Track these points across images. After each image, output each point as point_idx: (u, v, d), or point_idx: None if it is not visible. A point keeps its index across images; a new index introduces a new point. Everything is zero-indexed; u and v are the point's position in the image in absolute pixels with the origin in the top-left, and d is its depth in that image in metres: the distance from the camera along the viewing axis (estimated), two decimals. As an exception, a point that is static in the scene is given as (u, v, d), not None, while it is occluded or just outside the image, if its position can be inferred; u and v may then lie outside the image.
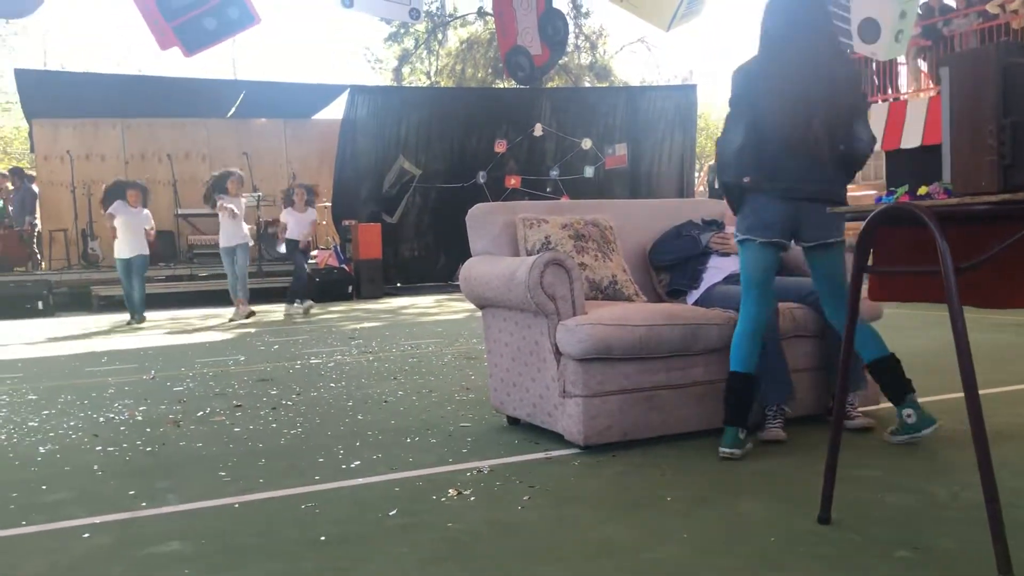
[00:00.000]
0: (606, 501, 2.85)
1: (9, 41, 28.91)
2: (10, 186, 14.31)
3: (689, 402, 3.58)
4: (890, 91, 15.08)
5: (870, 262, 2.53)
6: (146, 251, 10.10)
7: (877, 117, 13.65)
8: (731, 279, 3.97)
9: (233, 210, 10.11)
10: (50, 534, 2.69)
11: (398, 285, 14.35)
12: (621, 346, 3.39)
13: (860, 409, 3.80)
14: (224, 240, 10.27)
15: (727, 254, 4.10)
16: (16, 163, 24.50)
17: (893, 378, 3.38)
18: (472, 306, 7.43)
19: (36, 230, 13.89)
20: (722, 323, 3.61)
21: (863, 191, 15.14)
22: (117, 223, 9.85)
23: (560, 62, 18.71)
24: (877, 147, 13.62)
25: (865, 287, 2.65)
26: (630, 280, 4.07)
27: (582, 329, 3.38)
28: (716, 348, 3.58)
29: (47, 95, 14.23)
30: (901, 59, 14.53)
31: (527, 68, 12.79)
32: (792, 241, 3.31)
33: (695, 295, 4.01)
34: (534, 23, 12.84)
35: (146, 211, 10.13)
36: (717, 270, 4.04)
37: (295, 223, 10.99)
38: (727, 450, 3.27)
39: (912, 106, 13.31)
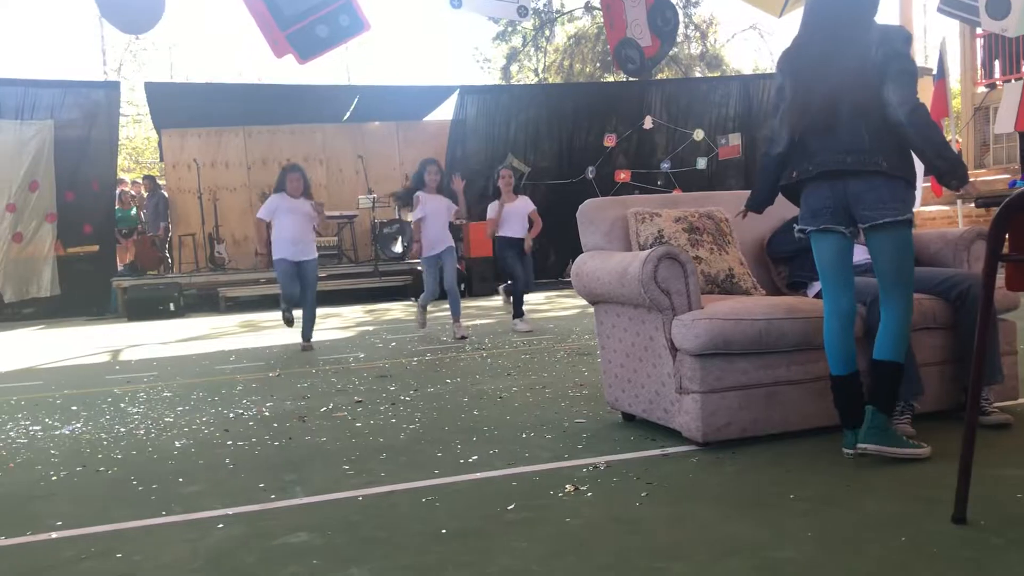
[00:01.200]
0: (727, 499, 2.80)
1: (140, 56, 30.50)
2: (144, 193, 15.09)
3: (812, 398, 3.48)
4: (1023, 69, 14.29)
5: (1005, 250, 2.41)
6: (315, 252, 7.62)
7: (1010, 97, 12.97)
8: (855, 270, 3.83)
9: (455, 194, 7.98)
10: (188, 524, 2.83)
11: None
12: (740, 341, 3.33)
13: (996, 404, 3.62)
14: (436, 244, 7.81)
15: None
16: (147, 171, 25.86)
17: (890, 387, 3.10)
18: (583, 302, 7.43)
19: (168, 235, 14.60)
20: (845, 316, 3.48)
21: (996, 175, 14.40)
22: (275, 220, 7.45)
23: (670, 53, 18.44)
24: (1010, 129, 12.99)
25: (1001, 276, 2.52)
26: (747, 273, 3.98)
27: (698, 324, 3.33)
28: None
29: (174, 106, 14.94)
30: (1035, 34, 13.74)
31: (637, 60, 12.65)
32: (852, 226, 3.12)
33: (816, 287, 3.90)
34: (643, 14, 12.69)
35: (310, 201, 7.58)
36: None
37: (509, 217, 8.33)
38: (848, 450, 3.18)
39: (1048, 84, 12.57)
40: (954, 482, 2.47)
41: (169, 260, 14.53)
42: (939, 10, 11.02)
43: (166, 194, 14.81)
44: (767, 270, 4.23)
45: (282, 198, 7.36)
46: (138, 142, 28.22)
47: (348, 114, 16.00)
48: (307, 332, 7.50)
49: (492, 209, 8.41)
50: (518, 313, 8.18)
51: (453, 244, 7.93)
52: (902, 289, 3.07)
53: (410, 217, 8.02)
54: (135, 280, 12.96)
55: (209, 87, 21.65)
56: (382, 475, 3.29)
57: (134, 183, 16.47)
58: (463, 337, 7.58)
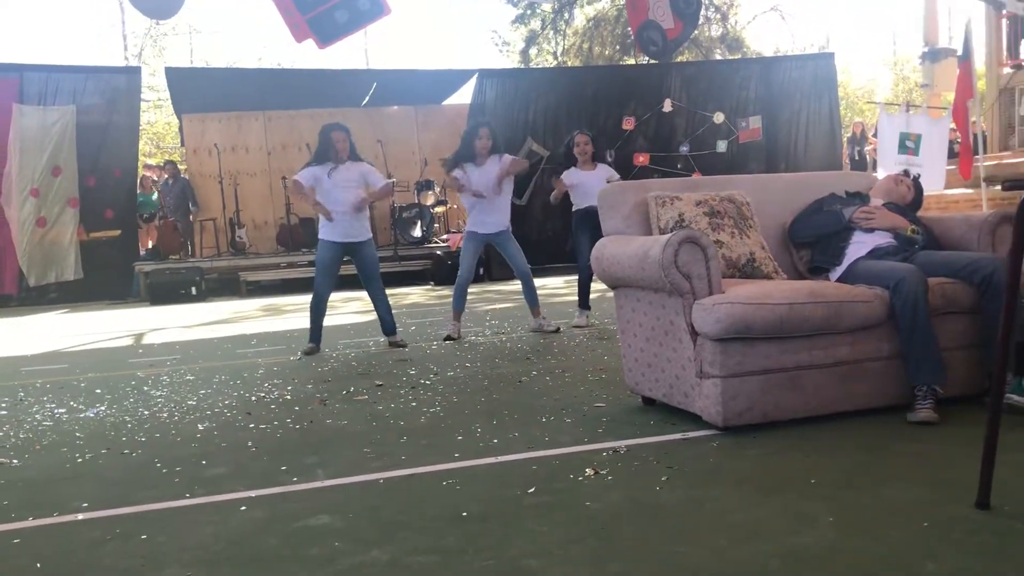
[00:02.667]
0: (748, 483, 2.80)
1: (160, 42, 30.59)
2: (168, 179, 15.16)
3: (833, 382, 3.46)
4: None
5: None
6: (369, 232, 6.61)
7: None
8: (875, 254, 3.81)
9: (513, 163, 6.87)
10: (211, 506, 2.86)
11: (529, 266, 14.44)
12: (761, 325, 3.31)
13: (1021, 390, 3.58)
14: (492, 223, 6.90)
15: (871, 230, 3.93)
16: (168, 156, 25.99)
17: None
18: (602, 287, 7.35)
19: (192, 220, 14.64)
20: (868, 300, 3.47)
21: (1021, 157, 14.20)
22: (318, 193, 6.32)
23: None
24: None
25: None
26: (769, 257, 3.96)
27: (719, 308, 3.31)
28: (863, 326, 3.45)
29: (195, 91, 14.99)
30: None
31: (660, 43, 12.55)
32: None
33: (838, 271, 3.87)
34: (666, -3, 12.60)
35: (365, 165, 6.62)
36: (861, 244, 3.88)
37: (587, 186, 6.91)
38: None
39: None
40: (977, 467, 2.46)
41: (190, 246, 14.60)
42: None
43: (188, 179, 14.89)
44: (789, 254, 4.20)
45: (324, 168, 6.30)
46: (159, 127, 28.37)
47: (367, 99, 16.00)
48: (391, 322, 6.54)
49: (566, 175, 7.19)
50: (583, 303, 7.27)
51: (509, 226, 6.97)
52: None
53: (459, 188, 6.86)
54: (157, 264, 13.05)
55: (229, 72, 21.73)
56: (403, 458, 3.31)
57: (155, 167, 16.57)
58: (554, 330, 6.77)
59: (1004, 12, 13.37)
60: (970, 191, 13.31)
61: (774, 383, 3.40)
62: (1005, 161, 14.42)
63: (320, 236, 6.40)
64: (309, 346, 6.35)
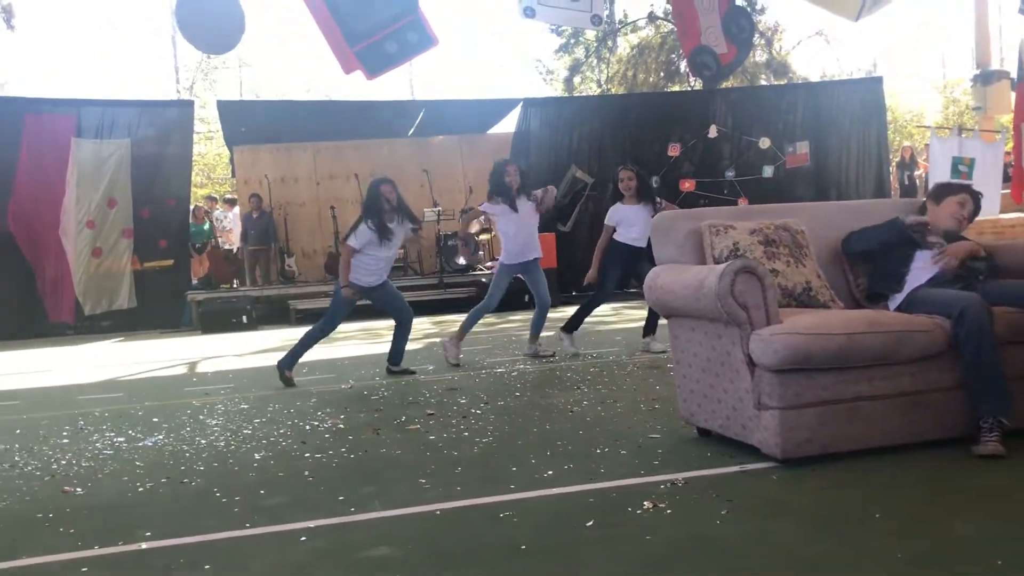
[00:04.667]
0: (810, 517, 2.75)
1: (211, 75, 31.29)
2: (252, 212, 15.37)
3: (894, 413, 3.40)
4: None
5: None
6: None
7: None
8: (936, 281, 3.74)
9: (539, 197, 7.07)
10: (272, 536, 2.89)
11: (573, 293, 14.42)
12: (820, 356, 3.27)
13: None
14: (519, 253, 7.01)
15: (931, 245, 3.85)
16: (218, 187, 26.50)
17: None
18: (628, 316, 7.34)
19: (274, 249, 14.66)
20: (929, 330, 3.41)
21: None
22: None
23: (740, 60, 18.22)
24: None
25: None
26: (825, 286, 3.91)
27: (777, 339, 3.28)
28: (924, 356, 3.39)
29: (245, 123, 15.30)
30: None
31: (713, 67, 12.53)
32: None
33: (898, 299, 3.80)
34: (718, 22, 12.58)
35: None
36: (921, 271, 3.81)
37: (630, 221, 7.03)
38: None
39: None
40: (1050, 503, 2.39)
41: (244, 275, 14.80)
42: (1020, 11, 10.72)
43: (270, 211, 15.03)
44: (846, 282, 4.15)
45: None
46: (210, 158, 28.94)
47: (413, 128, 16.19)
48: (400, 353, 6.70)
49: (612, 210, 7.22)
50: (569, 327, 7.27)
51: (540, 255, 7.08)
52: None
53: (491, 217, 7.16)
54: (208, 293, 13.27)
55: (279, 104, 22.12)
56: (458, 489, 3.31)
57: (208, 199, 16.89)
58: (548, 356, 6.96)
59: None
60: (1026, 215, 13.03)
61: (833, 414, 3.35)
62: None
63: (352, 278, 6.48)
64: (287, 374, 6.47)
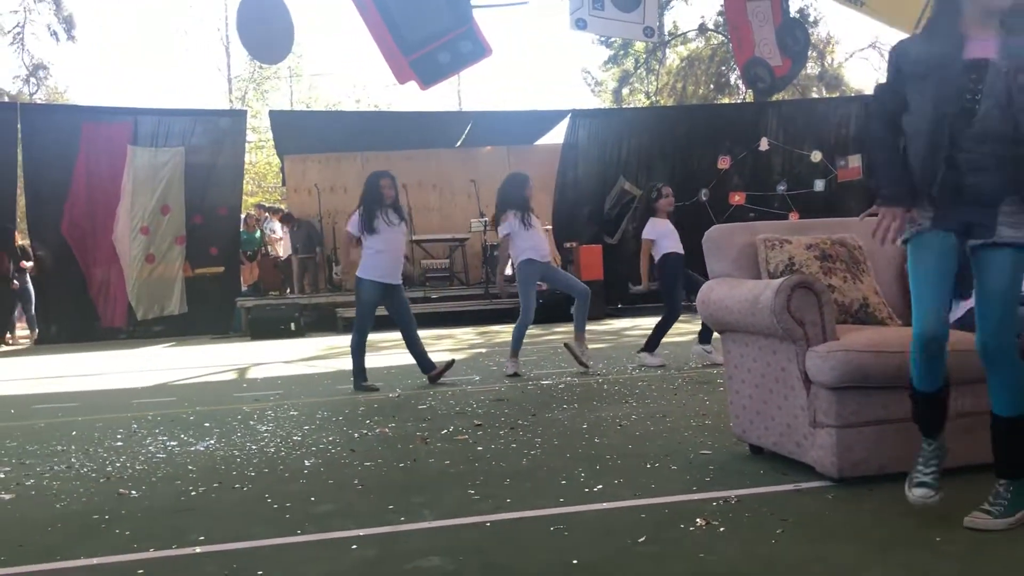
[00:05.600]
0: (868, 539, 2.69)
1: (263, 85, 31.81)
2: (294, 226, 15.60)
3: (955, 434, 3.30)
4: None
5: None
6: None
7: None
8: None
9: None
10: (323, 544, 2.90)
11: (619, 306, 14.36)
12: (878, 374, 3.20)
13: None
14: (542, 251, 7.15)
15: None
16: (268, 195, 26.87)
17: (1003, 446, 2.79)
18: (697, 328, 7.28)
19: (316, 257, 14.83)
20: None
21: None
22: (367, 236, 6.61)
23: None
24: None
25: None
26: (883, 303, 3.84)
27: (834, 356, 3.22)
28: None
29: (296, 133, 15.51)
30: None
31: (768, 79, 12.45)
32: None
33: (961, 308, 3.70)
34: (772, 34, 12.49)
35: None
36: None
37: (668, 234, 7.29)
38: None
39: None
40: (1122, 531, 2.31)
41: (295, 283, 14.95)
42: None
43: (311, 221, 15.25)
44: (903, 299, 4.05)
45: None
46: (260, 167, 29.38)
47: (461, 139, 16.27)
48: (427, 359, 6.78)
49: (651, 225, 7.35)
50: (649, 346, 7.24)
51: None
52: None
53: (499, 233, 7.29)
54: (258, 300, 13.45)
55: (329, 115, 22.45)
56: (508, 501, 3.30)
57: (258, 207, 17.13)
58: (586, 367, 6.94)
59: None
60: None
61: (891, 434, 3.27)
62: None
63: (365, 276, 6.64)
64: (365, 384, 6.54)
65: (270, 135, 19.83)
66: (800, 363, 3.37)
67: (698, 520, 2.92)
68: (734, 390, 3.89)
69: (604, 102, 28.13)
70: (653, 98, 26.76)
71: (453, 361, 6.87)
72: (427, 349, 6.89)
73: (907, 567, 2.44)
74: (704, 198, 14.78)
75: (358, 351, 6.64)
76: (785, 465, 3.58)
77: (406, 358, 7.20)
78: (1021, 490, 2.76)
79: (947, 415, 2.97)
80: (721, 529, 2.84)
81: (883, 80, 2.94)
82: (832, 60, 25.57)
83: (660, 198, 7.41)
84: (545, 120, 16.23)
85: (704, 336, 7.17)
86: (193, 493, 3.66)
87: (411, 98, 50.38)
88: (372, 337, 11.28)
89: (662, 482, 3.48)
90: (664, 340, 7.32)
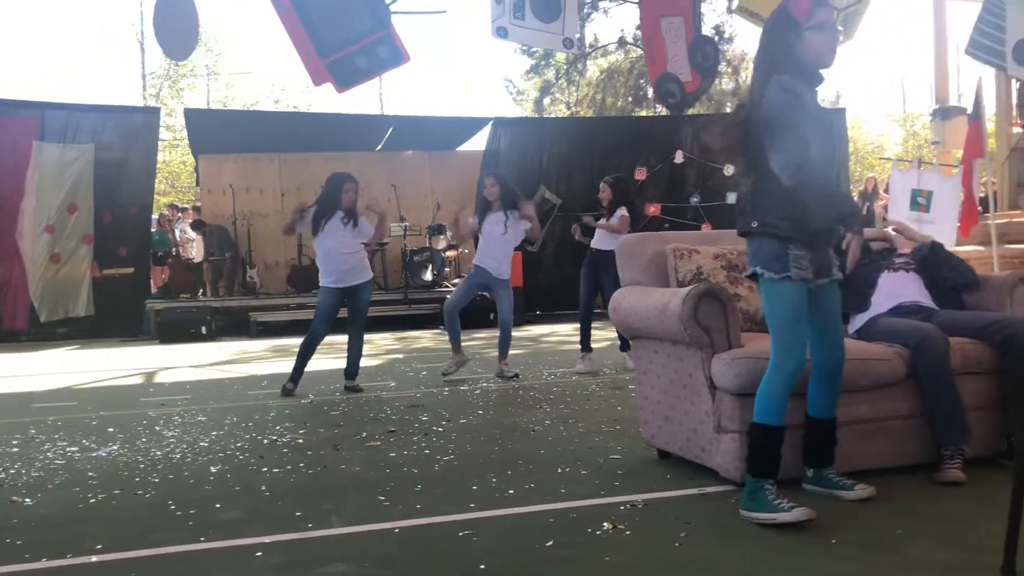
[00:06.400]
0: (767, 542, 2.77)
1: (178, 83, 31.04)
2: (184, 220, 15.27)
3: (853, 440, 3.44)
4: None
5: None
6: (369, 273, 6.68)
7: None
8: (898, 311, 3.80)
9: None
10: (227, 551, 2.84)
11: (537, 312, 14.44)
12: (780, 381, 3.30)
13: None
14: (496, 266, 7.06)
15: (885, 250, 3.93)
16: (181, 194, 26.23)
17: (826, 442, 3.24)
18: (613, 335, 7.38)
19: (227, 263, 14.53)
20: (888, 359, 3.47)
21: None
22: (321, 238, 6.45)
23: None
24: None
25: None
26: (786, 312, 3.95)
27: (739, 363, 3.31)
28: (882, 384, 3.44)
29: (212, 132, 15.17)
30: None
31: (678, 95, 12.70)
32: None
33: (859, 321, 3.85)
34: (684, 51, 12.76)
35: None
36: (886, 296, 3.86)
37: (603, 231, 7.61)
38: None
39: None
40: (1000, 529, 2.43)
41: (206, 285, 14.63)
42: (967, 52, 11.00)
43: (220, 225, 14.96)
44: (806, 309, 4.20)
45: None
46: (174, 166, 28.67)
47: (382, 143, 16.16)
48: (354, 367, 6.66)
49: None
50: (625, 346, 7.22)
51: (508, 277, 7.08)
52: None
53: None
54: (168, 303, 13.09)
55: (246, 114, 22.02)
56: (418, 507, 3.29)
57: (171, 207, 16.71)
58: (513, 376, 6.91)
59: (1008, 73, 13.50)
60: (982, 248, 13.32)
61: (792, 440, 3.36)
62: (1016, 220, 14.44)
63: (324, 284, 6.49)
64: (289, 386, 6.46)
65: (185, 134, 19.37)
66: (706, 370, 3.45)
67: (605, 524, 2.97)
68: (643, 396, 3.96)
69: (526, 111, 28.33)
70: (573, 109, 27.06)
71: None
72: (344, 354, 6.80)
73: (806, 567, 2.52)
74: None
75: (304, 352, 6.51)
76: (691, 470, 3.66)
77: (320, 364, 7.11)
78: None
79: None
80: (627, 532, 2.89)
81: (792, 116, 2.87)
82: (746, 76, 26.23)
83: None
84: (467, 127, 16.24)
85: (625, 344, 7.22)
86: (92, 500, 3.55)
87: (331, 100, 49.77)
88: (284, 342, 11.15)
89: (572, 486, 3.52)
90: (580, 346, 7.41)
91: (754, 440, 3.04)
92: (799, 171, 2.83)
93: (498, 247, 7.03)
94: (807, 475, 3.30)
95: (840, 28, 3.11)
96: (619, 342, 7.34)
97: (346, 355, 6.68)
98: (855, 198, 17.46)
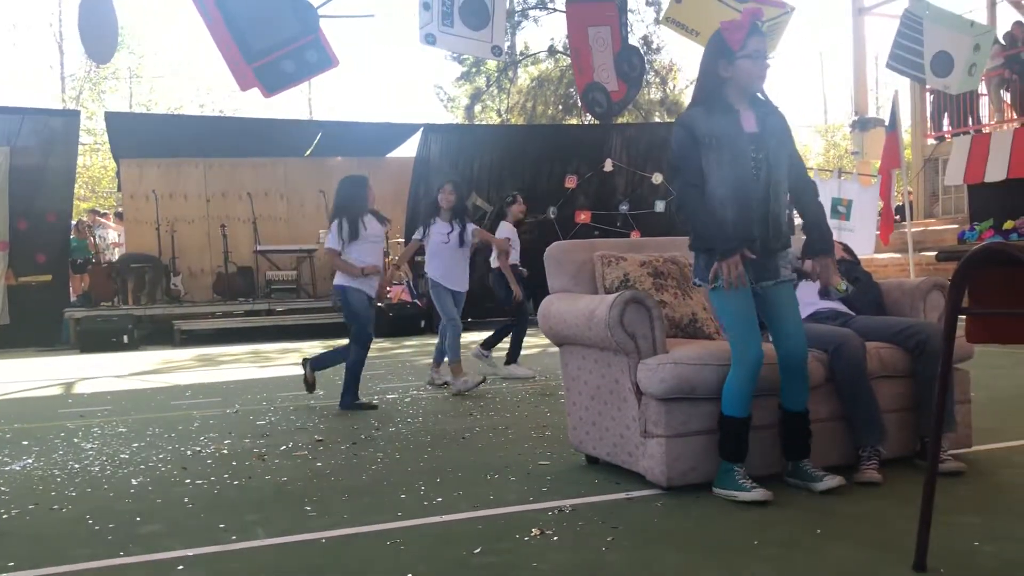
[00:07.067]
0: (692, 544, 2.82)
1: (100, 86, 30.22)
2: (108, 228, 14.91)
3: (775, 443, 3.51)
4: (971, 123, 14.75)
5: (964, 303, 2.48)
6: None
7: (959, 150, 13.37)
8: (815, 317, 3.91)
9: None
10: (147, 565, 2.77)
11: (469, 320, 14.44)
12: (704, 386, 3.36)
13: (949, 452, 3.69)
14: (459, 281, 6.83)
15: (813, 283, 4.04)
16: (102, 200, 25.53)
17: (800, 435, 3.41)
18: (544, 341, 7.42)
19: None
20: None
21: (945, 225, 14.79)
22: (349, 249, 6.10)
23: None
24: (959, 181, 13.38)
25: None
26: (710, 318, 4.03)
27: (664, 368, 3.36)
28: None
29: (134, 136, 14.81)
30: (982, 90, 14.24)
31: (604, 104, 12.87)
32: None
33: (806, 309, 3.94)
34: (610, 60, 12.94)
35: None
36: (805, 306, 3.97)
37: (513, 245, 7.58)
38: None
39: (996, 138, 13.00)
40: (913, 528, 2.51)
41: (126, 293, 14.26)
42: (888, 66, 11.39)
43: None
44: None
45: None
46: (95, 171, 27.88)
47: (311, 149, 15.98)
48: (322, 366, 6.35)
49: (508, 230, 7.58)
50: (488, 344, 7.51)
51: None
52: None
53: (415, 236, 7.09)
54: (88, 311, 12.73)
55: (170, 118, 21.55)
56: (345, 517, 3.26)
57: (90, 213, 16.25)
58: (444, 384, 6.73)
59: (927, 87, 14.02)
60: (898, 255, 13.77)
61: (717, 444, 3.44)
62: (930, 229, 14.98)
63: (351, 284, 6.08)
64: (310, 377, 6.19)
65: (106, 138, 18.86)
66: (632, 375, 3.50)
67: (533, 530, 2.98)
68: (572, 401, 3.99)
69: (457, 118, 28.31)
70: (504, 116, 27.15)
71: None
72: (271, 363, 6.70)
73: (729, 568, 2.56)
74: (552, 216, 15.11)
75: (357, 366, 6.01)
76: (618, 475, 3.70)
77: (246, 373, 7.00)
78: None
79: None
80: (555, 538, 2.91)
81: (681, 151, 3.28)
82: (674, 86, 26.70)
83: (514, 203, 7.68)
84: (397, 133, 16.17)
85: (487, 343, 7.53)
86: (5, 516, 3.42)
87: (258, 105, 48.98)
88: (209, 351, 10.95)
89: (501, 493, 3.52)
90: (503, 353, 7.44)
91: (723, 430, 3.32)
92: (679, 208, 3.34)
93: (457, 261, 6.74)
94: (788, 469, 3.47)
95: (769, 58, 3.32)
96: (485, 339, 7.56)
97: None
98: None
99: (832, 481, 3.32)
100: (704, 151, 3.23)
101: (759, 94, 3.33)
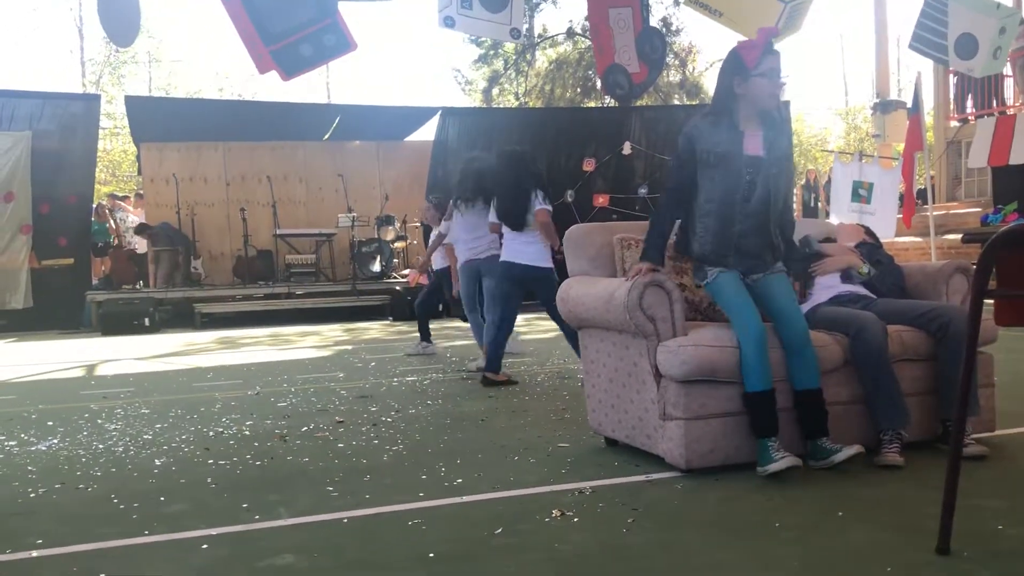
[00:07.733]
0: (712, 526, 2.82)
1: (119, 70, 30.36)
2: (125, 209, 15.01)
3: (795, 425, 3.51)
4: (995, 105, 14.58)
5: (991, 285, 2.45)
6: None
7: (983, 132, 13.22)
8: (837, 301, 3.89)
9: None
10: (171, 544, 2.80)
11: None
12: (725, 368, 3.36)
13: (973, 436, 3.67)
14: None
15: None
16: (123, 184, 25.70)
17: (815, 412, 3.44)
18: (544, 327, 7.41)
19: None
20: (827, 345, 3.54)
21: (968, 208, 14.65)
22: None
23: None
24: (983, 164, 13.24)
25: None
26: (731, 301, 4.02)
27: (684, 351, 3.35)
28: (822, 371, 3.51)
29: (154, 120, 14.87)
30: (1007, 71, 14.06)
31: (625, 86, 12.80)
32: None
33: (804, 308, 3.93)
34: (631, 41, 12.86)
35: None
36: (825, 289, 3.97)
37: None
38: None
39: (1021, 120, 12.83)
40: (936, 512, 2.50)
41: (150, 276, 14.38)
42: (910, 47, 11.25)
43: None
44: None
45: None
46: (115, 155, 28.05)
47: (329, 133, 16.00)
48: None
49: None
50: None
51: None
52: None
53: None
54: (110, 294, 12.84)
55: (190, 102, 21.64)
56: (367, 497, 3.28)
57: (110, 197, 16.37)
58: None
59: (950, 69, 13.86)
60: (919, 239, 13.66)
61: (737, 426, 3.44)
62: (952, 212, 14.84)
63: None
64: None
65: (126, 122, 18.97)
66: (651, 358, 3.49)
67: (554, 511, 2.99)
68: (591, 384, 4.00)
69: (474, 101, 28.22)
70: (522, 99, 27.04)
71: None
72: (291, 346, 6.74)
73: (749, 552, 2.56)
74: (570, 199, 15.07)
75: (500, 340, 6.16)
76: (638, 457, 3.71)
77: (267, 355, 7.04)
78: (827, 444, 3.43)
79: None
80: (575, 519, 2.92)
81: (679, 159, 3.53)
82: (693, 68, 26.50)
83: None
84: (415, 117, 16.14)
85: (425, 335, 7.97)
86: (32, 495, 3.47)
87: (277, 89, 49.07)
88: (230, 334, 11.00)
89: (520, 475, 3.54)
90: (529, 337, 7.43)
91: (750, 408, 3.36)
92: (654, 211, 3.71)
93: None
94: (808, 450, 3.48)
95: (785, 78, 3.56)
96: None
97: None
98: (800, 191, 17.77)
99: (851, 450, 3.34)
100: (700, 165, 3.44)
101: (773, 112, 3.48)
